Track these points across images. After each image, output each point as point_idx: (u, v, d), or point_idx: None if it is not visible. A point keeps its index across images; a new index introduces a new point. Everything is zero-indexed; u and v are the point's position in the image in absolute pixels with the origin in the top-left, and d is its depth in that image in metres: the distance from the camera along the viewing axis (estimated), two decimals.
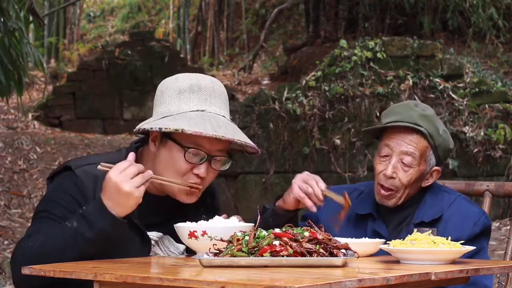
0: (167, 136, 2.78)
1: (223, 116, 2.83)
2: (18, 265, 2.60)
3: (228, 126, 2.80)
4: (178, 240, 2.84)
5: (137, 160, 2.81)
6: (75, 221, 2.64)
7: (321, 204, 2.92)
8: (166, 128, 2.71)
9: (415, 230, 2.69)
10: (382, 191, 3.04)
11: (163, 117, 2.78)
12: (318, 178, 2.95)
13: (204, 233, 2.67)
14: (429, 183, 3.08)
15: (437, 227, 2.96)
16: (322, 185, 2.93)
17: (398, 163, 3.00)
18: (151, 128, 2.75)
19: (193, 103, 2.80)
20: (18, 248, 2.71)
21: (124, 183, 2.58)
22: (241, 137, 2.80)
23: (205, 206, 2.91)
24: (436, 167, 3.07)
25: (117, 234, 2.65)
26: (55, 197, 2.79)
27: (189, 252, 2.87)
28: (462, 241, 2.67)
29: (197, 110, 2.79)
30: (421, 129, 2.99)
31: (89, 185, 2.78)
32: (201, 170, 2.77)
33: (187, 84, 2.82)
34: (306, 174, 2.97)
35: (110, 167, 2.64)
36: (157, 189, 2.85)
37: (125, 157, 2.83)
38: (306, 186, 2.92)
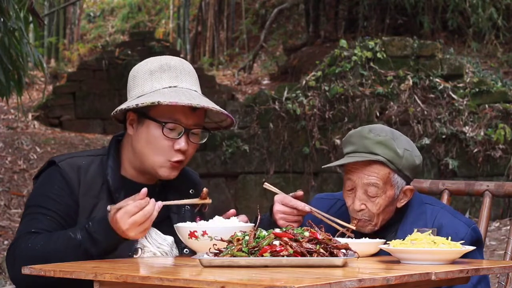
0: (143, 116, 2.84)
1: (195, 91, 2.90)
2: (18, 265, 2.64)
3: (201, 98, 2.87)
4: (165, 232, 2.89)
5: (119, 151, 2.90)
6: (79, 233, 2.71)
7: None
8: (143, 103, 2.78)
9: (415, 230, 2.68)
10: (355, 221, 2.99)
11: (138, 97, 2.86)
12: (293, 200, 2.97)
13: (204, 233, 2.68)
14: (404, 202, 3.02)
15: None
16: (307, 208, 2.96)
17: (363, 195, 2.95)
18: (127, 107, 2.81)
19: (165, 81, 2.88)
20: (17, 248, 2.74)
21: (130, 230, 2.67)
22: (215, 106, 2.86)
23: (188, 197, 2.93)
24: (407, 186, 2.99)
25: (117, 248, 2.74)
26: (44, 190, 2.85)
27: (178, 244, 2.91)
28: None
29: (169, 87, 2.87)
30: (378, 158, 2.92)
31: (73, 176, 2.84)
32: (182, 144, 2.83)
33: (157, 65, 2.91)
34: (281, 202, 2.98)
35: (119, 208, 2.67)
36: (142, 174, 2.89)
37: (107, 152, 2.90)
38: (291, 211, 2.95)
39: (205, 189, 2.87)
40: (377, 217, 2.98)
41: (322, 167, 3.17)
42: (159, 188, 2.91)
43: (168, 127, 2.82)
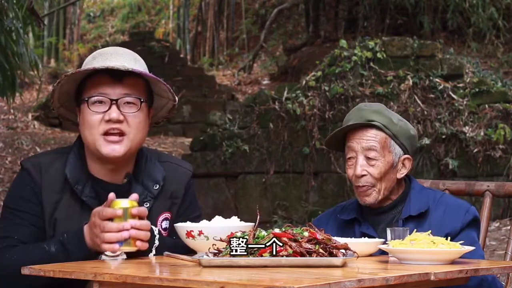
0: (79, 103, 2.87)
1: (123, 65, 2.83)
2: None
3: (125, 65, 2.81)
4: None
5: (81, 147, 2.92)
6: (53, 246, 2.73)
7: None
8: (59, 83, 2.81)
9: (388, 229, 2.77)
10: (359, 189, 3.11)
11: (63, 75, 2.86)
12: None
13: (200, 232, 2.68)
14: (404, 174, 3.15)
15: (425, 221, 3.05)
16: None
17: (364, 161, 3.10)
18: (51, 101, 2.89)
19: (94, 65, 2.86)
20: None
21: (103, 244, 2.65)
22: (136, 66, 2.82)
23: (150, 192, 2.91)
24: (406, 156, 3.14)
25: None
26: (17, 191, 2.89)
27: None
28: (456, 230, 2.90)
29: (93, 68, 2.85)
30: (374, 123, 3.09)
31: (35, 173, 2.87)
32: (112, 114, 2.80)
33: (91, 55, 2.92)
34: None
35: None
36: (105, 170, 2.88)
37: (69, 151, 2.92)
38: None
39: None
40: (379, 183, 3.09)
41: (324, 144, 3.33)
42: (127, 187, 2.89)
43: (93, 101, 2.81)
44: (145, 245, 2.68)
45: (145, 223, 2.68)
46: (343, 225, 3.16)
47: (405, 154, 3.14)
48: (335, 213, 3.22)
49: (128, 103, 2.83)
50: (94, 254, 2.71)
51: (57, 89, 2.86)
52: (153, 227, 2.80)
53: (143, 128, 2.87)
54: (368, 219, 3.13)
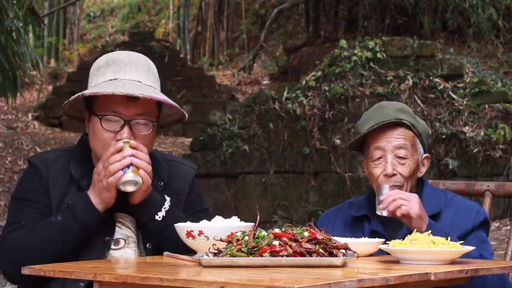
0: (90, 112, 2.87)
1: (138, 81, 2.85)
2: (5, 257, 2.79)
3: (139, 87, 2.81)
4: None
5: (88, 147, 2.95)
6: (59, 215, 2.78)
7: None
8: (69, 100, 2.83)
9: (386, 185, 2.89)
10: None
11: (81, 93, 2.86)
12: None
13: (200, 232, 2.68)
14: (423, 173, 3.14)
15: (436, 222, 3.01)
16: None
17: (394, 159, 3.06)
18: (62, 105, 2.89)
19: (108, 75, 2.87)
20: (2, 242, 2.83)
21: (100, 174, 2.75)
22: (153, 95, 2.79)
23: (155, 189, 2.93)
24: (425, 155, 3.14)
25: (98, 228, 2.80)
26: (25, 183, 2.94)
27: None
28: (467, 231, 2.93)
29: (109, 80, 2.85)
30: (404, 122, 3.06)
31: (42, 167, 2.91)
32: (123, 135, 2.82)
33: (104, 60, 2.92)
34: None
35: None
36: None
37: (74, 149, 2.99)
38: None
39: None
40: (406, 183, 3.07)
41: (347, 146, 3.28)
42: None
43: (106, 119, 2.82)
44: (148, 179, 2.76)
45: (145, 155, 2.76)
46: (352, 222, 3.14)
47: (424, 153, 3.14)
48: (343, 209, 3.18)
49: (140, 123, 2.86)
50: (101, 215, 2.77)
51: (70, 102, 2.87)
52: (166, 195, 2.89)
53: (151, 143, 2.91)
54: (378, 216, 3.10)
